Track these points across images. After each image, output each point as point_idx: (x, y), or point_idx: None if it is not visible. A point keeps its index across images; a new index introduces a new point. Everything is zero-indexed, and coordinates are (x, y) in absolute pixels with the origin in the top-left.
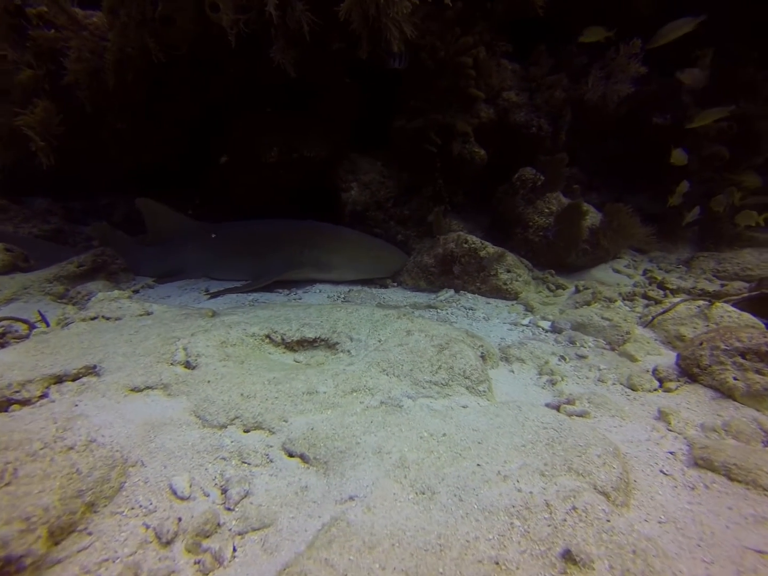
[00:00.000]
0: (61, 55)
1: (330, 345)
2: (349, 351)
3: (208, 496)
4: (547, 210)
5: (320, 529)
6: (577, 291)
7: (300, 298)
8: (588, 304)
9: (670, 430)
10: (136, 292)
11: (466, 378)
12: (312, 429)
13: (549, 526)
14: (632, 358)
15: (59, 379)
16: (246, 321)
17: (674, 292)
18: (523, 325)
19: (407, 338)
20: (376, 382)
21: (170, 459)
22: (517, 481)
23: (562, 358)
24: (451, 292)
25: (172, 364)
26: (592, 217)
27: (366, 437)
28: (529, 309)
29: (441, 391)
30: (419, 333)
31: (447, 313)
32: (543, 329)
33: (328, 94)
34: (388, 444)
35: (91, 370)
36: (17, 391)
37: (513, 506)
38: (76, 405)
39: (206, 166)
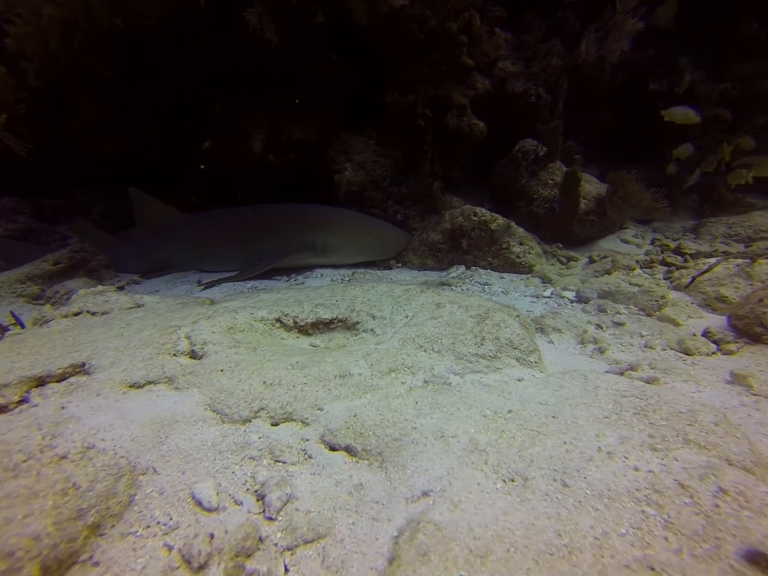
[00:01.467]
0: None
1: (349, 326)
2: (372, 330)
3: (240, 504)
4: (551, 181)
5: (397, 535)
6: (591, 262)
7: (302, 283)
8: (608, 273)
9: (755, 394)
10: (121, 288)
11: (514, 349)
12: (355, 416)
13: (697, 514)
14: (674, 323)
15: (41, 381)
16: (252, 305)
17: (694, 256)
18: (546, 297)
19: (439, 311)
20: (414, 359)
21: (188, 463)
22: (626, 458)
23: (599, 326)
24: (462, 268)
25: (174, 355)
26: (597, 187)
27: (421, 420)
28: (547, 281)
29: (490, 364)
30: (451, 305)
31: (462, 290)
32: (568, 300)
33: (314, 72)
34: (449, 426)
35: (80, 369)
36: None
37: (637, 489)
38: (64, 407)
39: (188, 153)
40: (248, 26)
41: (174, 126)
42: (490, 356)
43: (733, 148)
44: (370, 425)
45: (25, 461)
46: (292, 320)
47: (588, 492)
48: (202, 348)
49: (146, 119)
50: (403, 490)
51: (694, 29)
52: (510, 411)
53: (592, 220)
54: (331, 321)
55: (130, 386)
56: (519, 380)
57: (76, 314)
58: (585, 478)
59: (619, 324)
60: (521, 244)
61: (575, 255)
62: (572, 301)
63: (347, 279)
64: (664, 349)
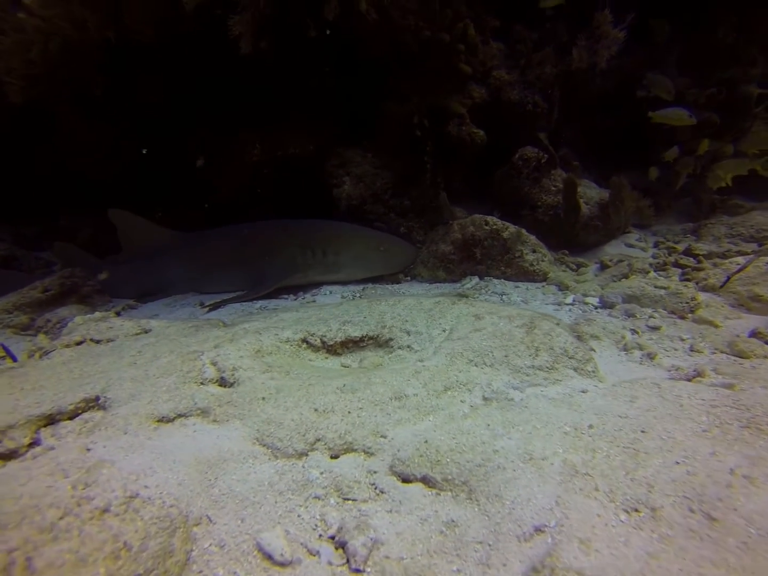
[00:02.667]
0: None
1: (381, 343)
2: (409, 346)
3: (317, 554)
4: (554, 188)
5: None
6: (603, 267)
7: (313, 301)
8: (626, 276)
9: None
10: (117, 314)
11: (570, 358)
12: (426, 442)
13: None
14: (712, 324)
15: (51, 420)
16: (273, 326)
17: (707, 257)
18: (568, 304)
19: (480, 323)
20: (468, 375)
21: (246, 508)
22: None
23: (634, 331)
24: (476, 279)
25: (202, 383)
26: (599, 192)
27: (499, 442)
28: (564, 288)
29: (548, 376)
30: (490, 315)
31: (481, 301)
32: (592, 306)
33: (308, 85)
34: (533, 447)
35: (93, 403)
36: None
37: None
38: (89, 449)
39: (179, 172)
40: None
41: (165, 143)
42: (547, 367)
43: (716, 150)
44: (445, 451)
45: (61, 518)
46: (319, 340)
47: (752, 530)
48: (233, 374)
49: (136, 138)
50: (509, 526)
51: (676, 37)
52: (591, 426)
53: (596, 226)
54: (361, 339)
55: (158, 421)
56: (583, 392)
57: (79, 343)
58: (735, 509)
59: (655, 328)
60: (534, 251)
61: (584, 261)
62: (596, 307)
63: (358, 295)
64: (713, 353)
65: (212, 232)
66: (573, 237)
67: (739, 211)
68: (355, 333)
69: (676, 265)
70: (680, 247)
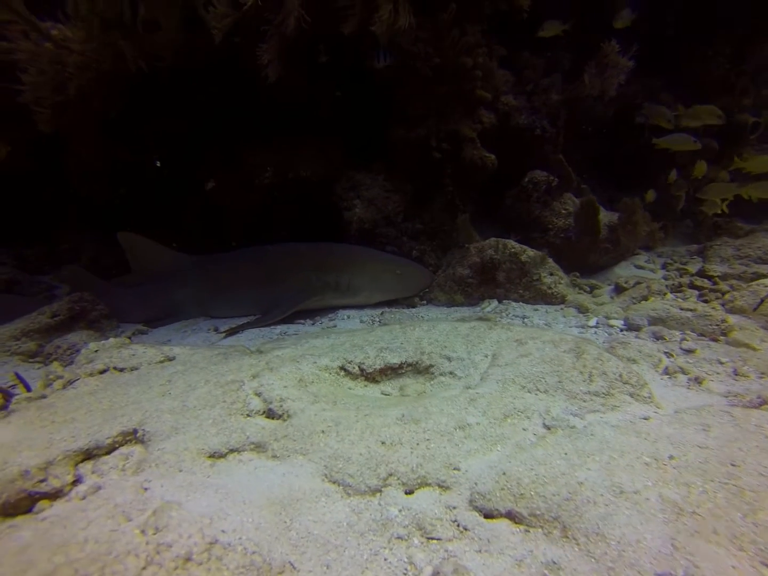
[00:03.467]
0: (13, 70)
1: (420, 369)
2: (452, 373)
3: None
4: (564, 211)
5: None
6: (618, 288)
7: (335, 326)
8: (645, 299)
9: None
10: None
11: (625, 383)
12: (504, 474)
13: None
14: (750, 347)
15: (89, 454)
16: (308, 353)
17: (723, 278)
18: (592, 327)
19: (523, 348)
20: (524, 402)
21: (329, 552)
22: None
23: (669, 354)
24: (495, 302)
25: (248, 415)
26: (607, 215)
27: (580, 473)
28: (584, 311)
29: (605, 402)
30: (533, 341)
31: (518, 325)
32: (618, 328)
33: (319, 110)
34: (619, 479)
35: (131, 437)
36: (41, 480)
37: None
38: (147, 489)
39: (188, 195)
40: (252, 64)
41: (176, 166)
42: (603, 393)
43: (712, 176)
44: (527, 483)
45: (144, 568)
46: (357, 367)
47: None
48: (281, 405)
49: (147, 160)
50: (628, 573)
51: (672, 67)
52: (672, 457)
53: (606, 248)
54: (400, 366)
55: (210, 456)
56: (645, 419)
57: (103, 372)
58: None
59: (690, 351)
60: (551, 274)
61: (596, 283)
62: (622, 330)
63: (377, 320)
64: (761, 377)
65: (224, 256)
66: (583, 259)
67: (738, 233)
68: (394, 360)
69: (692, 286)
70: (691, 268)
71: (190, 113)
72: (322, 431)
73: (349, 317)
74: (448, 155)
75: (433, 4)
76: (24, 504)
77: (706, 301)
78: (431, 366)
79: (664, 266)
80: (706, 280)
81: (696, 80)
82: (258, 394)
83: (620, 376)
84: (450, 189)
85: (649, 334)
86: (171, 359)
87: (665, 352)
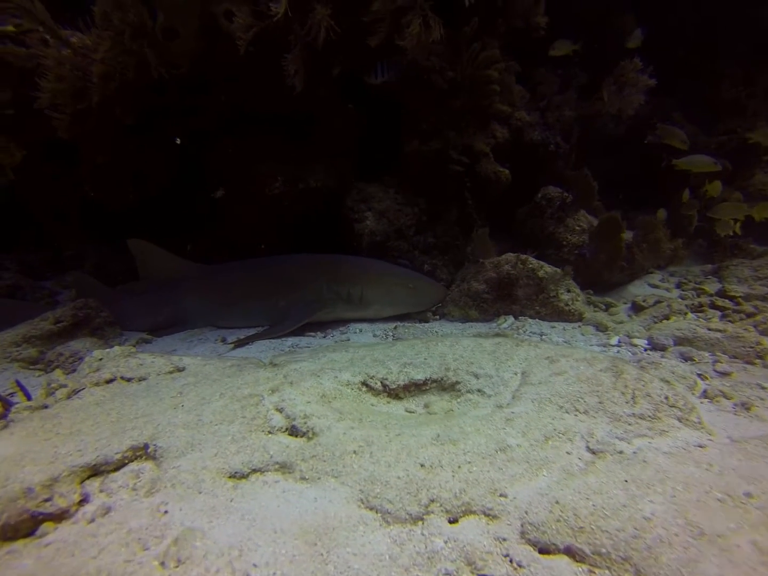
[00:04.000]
0: (32, 77)
1: (446, 386)
2: (481, 391)
3: None
4: (578, 228)
5: None
6: (636, 307)
7: (348, 339)
8: (667, 318)
9: None
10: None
11: (671, 407)
12: (557, 503)
13: None
14: None
15: (96, 470)
16: (328, 367)
17: (746, 299)
18: (614, 346)
19: (556, 366)
20: (563, 423)
21: None
22: None
23: (702, 376)
24: (511, 318)
25: (270, 432)
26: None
27: (644, 506)
28: (603, 329)
29: (652, 426)
30: (565, 358)
31: (546, 342)
32: (642, 348)
33: (331, 121)
34: (694, 517)
35: (142, 452)
36: (46, 499)
37: None
38: (165, 511)
39: (197, 203)
40: (267, 74)
41: (185, 173)
42: (649, 416)
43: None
44: (585, 515)
45: None
46: (379, 383)
47: None
48: (305, 422)
49: (159, 168)
50: None
51: (683, 88)
52: (750, 495)
53: (621, 266)
54: (425, 382)
55: (231, 477)
56: (700, 446)
57: (109, 381)
58: None
59: (725, 374)
60: (569, 291)
61: (612, 301)
62: (646, 349)
63: (390, 334)
64: None
65: (233, 265)
66: (597, 277)
67: (753, 254)
68: (418, 376)
69: (714, 306)
70: (708, 288)
71: (203, 120)
72: (354, 452)
73: (361, 331)
74: (467, 168)
75: (454, 17)
76: (26, 526)
77: (730, 322)
78: (457, 383)
79: (678, 285)
80: (728, 301)
81: (707, 101)
82: (279, 410)
83: (666, 398)
84: (469, 203)
85: (676, 355)
86: (181, 370)
87: (698, 374)
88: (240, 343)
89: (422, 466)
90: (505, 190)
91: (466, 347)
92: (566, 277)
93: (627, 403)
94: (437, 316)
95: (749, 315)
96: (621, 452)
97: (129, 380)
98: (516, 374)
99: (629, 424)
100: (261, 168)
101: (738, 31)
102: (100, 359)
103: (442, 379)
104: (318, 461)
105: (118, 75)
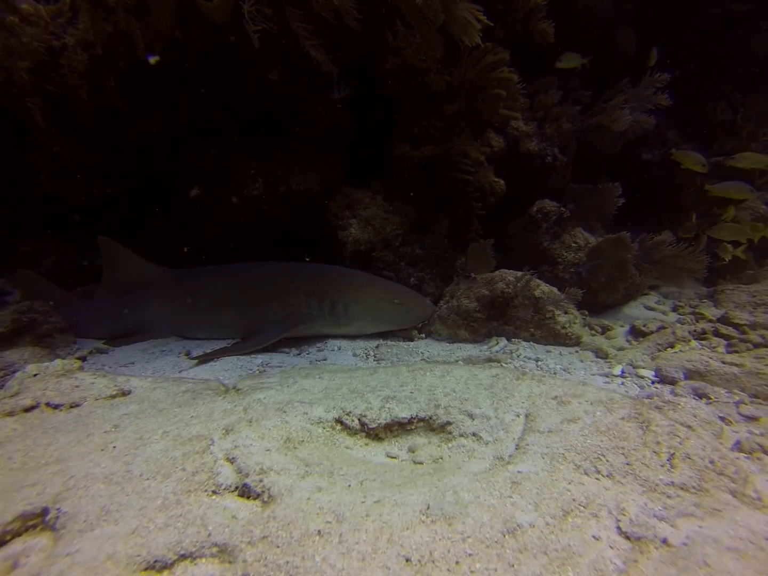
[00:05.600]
0: None
1: (434, 427)
2: (476, 435)
3: None
4: (574, 244)
5: None
6: (635, 330)
7: (325, 359)
8: (671, 345)
9: None
10: (82, 359)
11: (720, 474)
12: None
13: None
14: None
15: None
16: (298, 400)
17: (752, 328)
18: (617, 377)
19: (566, 409)
20: (583, 489)
21: None
22: None
23: (725, 420)
24: (503, 341)
25: (215, 492)
26: None
27: None
28: (602, 356)
29: (699, 501)
30: (577, 399)
31: (550, 376)
32: (648, 380)
33: (316, 120)
34: None
35: (38, 521)
36: None
37: None
38: None
39: (172, 201)
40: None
41: (158, 170)
42: (694, 487)
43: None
44: None
45: None
46: (357, 420)
47: None
48: (261, 480)
49: (128, 162)
50: None
51: (679, 108)
52: None
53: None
54: (410, 421)
55: (147, 569)
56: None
57: (29, 409)
58: None
59: (752, 418)
60: (566, 313)
61: (609, 324)
62: (654, 382)
63: (372, 353)
64: None
65: (205, 271)
66: (593, 297)
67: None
68: (403, 413)
69: (718, 334)
70: (708, 313)
71: (177, 113)
72: (318, 532)
73: (340, 349)
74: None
75: None
76: None
77: (735, 352)
78: (449, 423)
79: (674, 308)
80: (731, 329)
81: (702, 121)
82: (231, 460)
83: (711, 462)
84: (461, 213)
85: (688, 390)
86: (126, 394)
87: (720, 417)
88: (205, 359)
89: (408, 560)
90: (498, 202)
91: (459, 379)
92: (569, 300)
93: (662, 466)
94: (423, 335)
95: (756, 345)
96: (667, 542)
97: (56, 407)
98: (518, 416)
99: (669, 497)
100: (240, 168)
101: (736, 55)
102: (34, 375)
103: (430, 418)
104: (269, 546)
105: (83, 53)
